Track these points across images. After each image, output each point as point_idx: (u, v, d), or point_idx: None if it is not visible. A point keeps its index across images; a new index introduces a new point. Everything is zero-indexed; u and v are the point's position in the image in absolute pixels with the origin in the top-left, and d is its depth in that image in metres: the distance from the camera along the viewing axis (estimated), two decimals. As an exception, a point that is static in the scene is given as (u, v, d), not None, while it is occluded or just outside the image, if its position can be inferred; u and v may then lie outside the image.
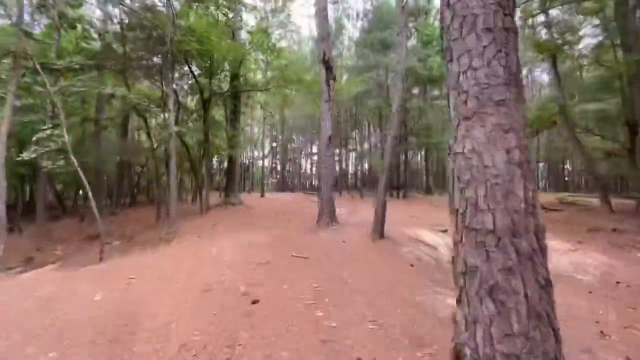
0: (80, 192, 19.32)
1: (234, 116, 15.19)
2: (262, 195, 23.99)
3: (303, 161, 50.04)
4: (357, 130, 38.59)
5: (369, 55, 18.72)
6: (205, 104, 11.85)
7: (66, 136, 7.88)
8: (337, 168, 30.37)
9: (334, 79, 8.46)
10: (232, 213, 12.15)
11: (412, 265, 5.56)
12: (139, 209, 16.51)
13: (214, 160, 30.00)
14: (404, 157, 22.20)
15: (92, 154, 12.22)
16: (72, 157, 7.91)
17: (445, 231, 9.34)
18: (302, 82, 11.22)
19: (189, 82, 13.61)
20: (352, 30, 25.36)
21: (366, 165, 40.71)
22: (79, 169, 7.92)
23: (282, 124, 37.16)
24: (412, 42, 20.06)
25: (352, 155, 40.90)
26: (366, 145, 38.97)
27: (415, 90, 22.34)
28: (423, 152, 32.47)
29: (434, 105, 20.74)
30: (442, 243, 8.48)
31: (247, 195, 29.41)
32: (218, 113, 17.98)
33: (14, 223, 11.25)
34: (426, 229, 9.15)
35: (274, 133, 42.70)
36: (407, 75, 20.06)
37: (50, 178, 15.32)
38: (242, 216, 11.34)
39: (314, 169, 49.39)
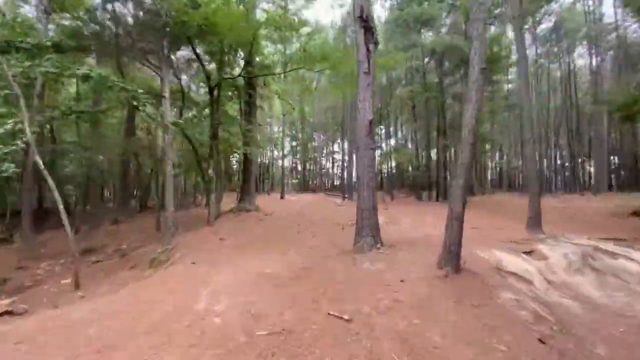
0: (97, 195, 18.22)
1: (248, 109, 13.21)
2: (281, 197, 22.04)
3: (324, 160, 47.79)
4: (382, 126, 35.92)
5: (402, 35, 16.04)
6: (212, 92, 9.89)
7: (28, 131, 6.11)
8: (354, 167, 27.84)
9: (376, 43, 6.09)
10: (245, 222, 10.11)
11: (542, 342, 3.08)
12: (149, 216, 15.01)
13: (234, 160, 28.56)
14: (440, 152, 19.25)
15: (90, 153, 10.67)
16: (37, 157, 6.13)
17: (530, 252, 6.73)
18: (328, 60, 8.93)
19: (197, 70, 11.76)
20: (380, 10, 22.72)
21: (393, 163, 38.29)
22: (45, 171, 6.14)
23: (302, 121, 35.15)
24: (453, 17, 17.13)
25: (376, 152, 38.20)
26: (392, 142, 36.31)
27: (452, 74, 19.24)
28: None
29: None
30: (534, 272, 5.93)
31: (266, 196, 27.62)
32: (232, 108, 16.18)
33: (2, 232, 9.91)
34: (503, 249, 6.57)
35: (293, 132, 40.95)
36: (442, 55, 17.18)
37: (57, 180, 14.10)
38: (257, 227, 9.25)
39: (335, 168, 47.12)
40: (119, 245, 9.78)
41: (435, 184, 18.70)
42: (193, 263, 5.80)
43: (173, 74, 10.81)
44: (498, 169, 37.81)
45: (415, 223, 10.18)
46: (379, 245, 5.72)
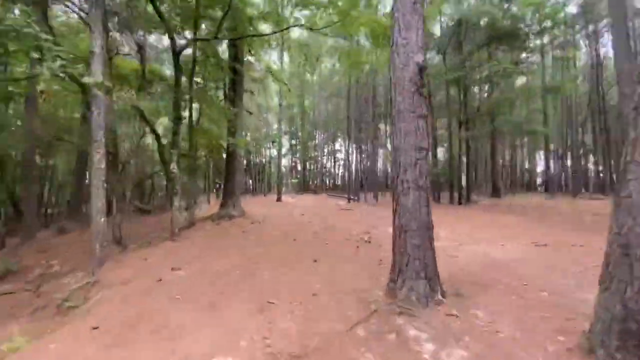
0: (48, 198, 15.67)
1: (233, 91, 10.60)
2: (278, 199, 19.39)
3: (325, 159, 45.00)
4: (385, 121, 33.57)
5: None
6: (178, 57, 7.26)
7: None
8: (358, 166, 25.16)
9: None
10: (222, 236, 7.48)
11: None
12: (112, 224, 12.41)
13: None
14: (462, 147, 16.54)
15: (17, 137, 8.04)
16: None
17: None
18: (333, 3, 6.31)
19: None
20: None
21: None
22: None
23: (303, 115, 32.51)
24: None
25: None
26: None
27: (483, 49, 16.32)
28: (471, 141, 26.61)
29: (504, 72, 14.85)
30: None
31: (262, 198, 24.92)
32: (215, 95, 13.64)
33: None
34: None
35: (293, 129, 38.40)
36: (466, 31, 14.50)
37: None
38: (236, 244, 6.61)
39: (337, 168, 44.46)
40: (48, 268, 7.13)
41: (457, 185, 15.99)
42: (94, 328, 3.14)
43: (133, 39, 8.19)
44: (513, 167, 35.07)
45: (454, 235, 7.52)
46: (439, 296, 3.07)
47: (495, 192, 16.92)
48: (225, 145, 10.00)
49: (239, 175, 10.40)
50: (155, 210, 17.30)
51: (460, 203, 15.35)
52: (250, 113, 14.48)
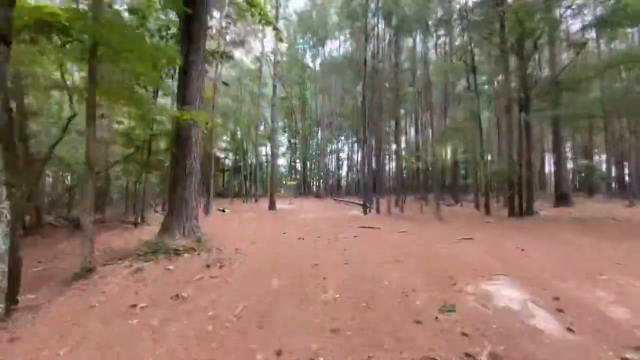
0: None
1: (186, 31, 6.39)
2: (270, 207, 15.11)
3: (327, 159, 40.63)
4: (393, 121, 29.90)
5: None
6: None
7: None
8: (372, 166, 20.83)
9: None
10: (112, 318, 3.15)
11: None
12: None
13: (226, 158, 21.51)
14: (525, 137, 12.07)
15: None
16: None
17: None
18: None
19: None
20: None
21: (403, 164, 32.82)
22: None
23: (303, 107, 28.26)
24: None
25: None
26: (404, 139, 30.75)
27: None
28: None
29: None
30: None
31: (252, 206, 20.65)
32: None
33: None
34: None
35: (292, 127, 34.27)
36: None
37: None
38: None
39: (341, 167, 40.23)
40: None
41: (516, 189, 11.59)
42: None
43: None
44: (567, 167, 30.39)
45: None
46: None
47: (562, 200, 12.58)
48: (170, 117, 5.71)
49: (192, 175, 6.08)
50: (107, 222, 13.11)
51: (521, 214, 11.04)
52: (226, 84, 10.36)
